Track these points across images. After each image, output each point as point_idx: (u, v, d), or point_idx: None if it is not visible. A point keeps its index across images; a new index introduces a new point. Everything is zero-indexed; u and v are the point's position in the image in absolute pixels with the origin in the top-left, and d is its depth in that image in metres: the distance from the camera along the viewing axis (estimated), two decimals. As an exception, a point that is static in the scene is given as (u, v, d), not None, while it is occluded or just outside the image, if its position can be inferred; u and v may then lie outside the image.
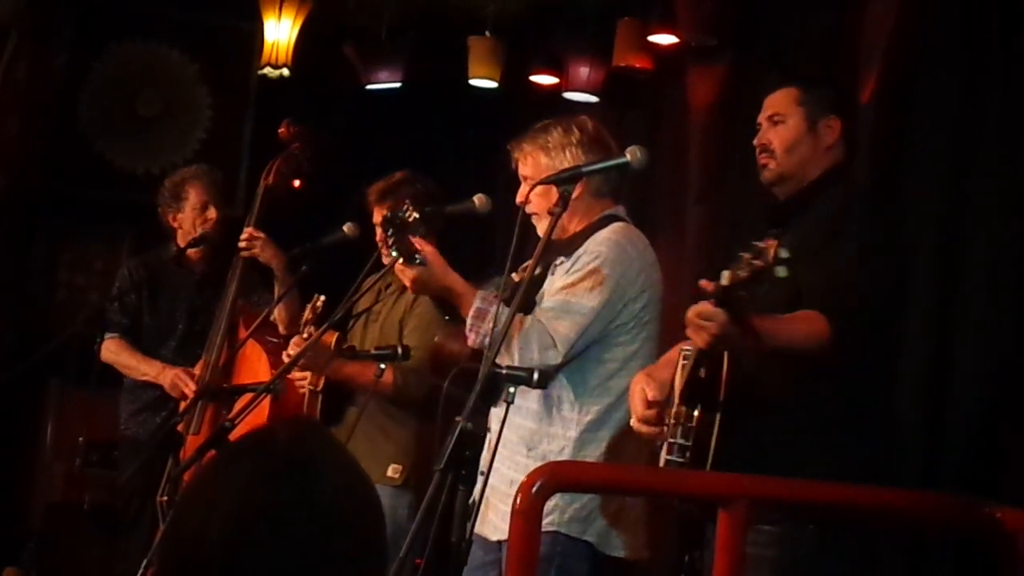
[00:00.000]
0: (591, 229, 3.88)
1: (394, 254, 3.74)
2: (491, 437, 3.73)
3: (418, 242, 3.77)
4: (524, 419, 3.81)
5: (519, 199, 3.88)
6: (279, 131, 5.47)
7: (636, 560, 3.86)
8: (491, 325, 3.60)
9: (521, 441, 3.81)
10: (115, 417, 5.62)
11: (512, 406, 3.43)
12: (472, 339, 3.72)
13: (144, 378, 5.40)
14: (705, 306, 3.06)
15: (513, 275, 3.77)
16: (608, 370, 3.81)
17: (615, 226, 3.89)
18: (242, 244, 5.22)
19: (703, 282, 3.07)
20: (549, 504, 3.59)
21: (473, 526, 3.45)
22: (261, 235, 5.22)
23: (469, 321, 3.72)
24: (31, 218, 7.15)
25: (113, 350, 5.47)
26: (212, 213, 5.45)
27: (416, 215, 3.75)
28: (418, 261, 3.74)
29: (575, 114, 4.10)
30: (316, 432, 1.68)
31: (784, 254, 2.88)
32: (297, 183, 5.46)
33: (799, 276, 3.33)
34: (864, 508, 3.16)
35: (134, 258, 5.82)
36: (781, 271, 2.89)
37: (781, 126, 3.56)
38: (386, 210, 4.68)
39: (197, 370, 5.26)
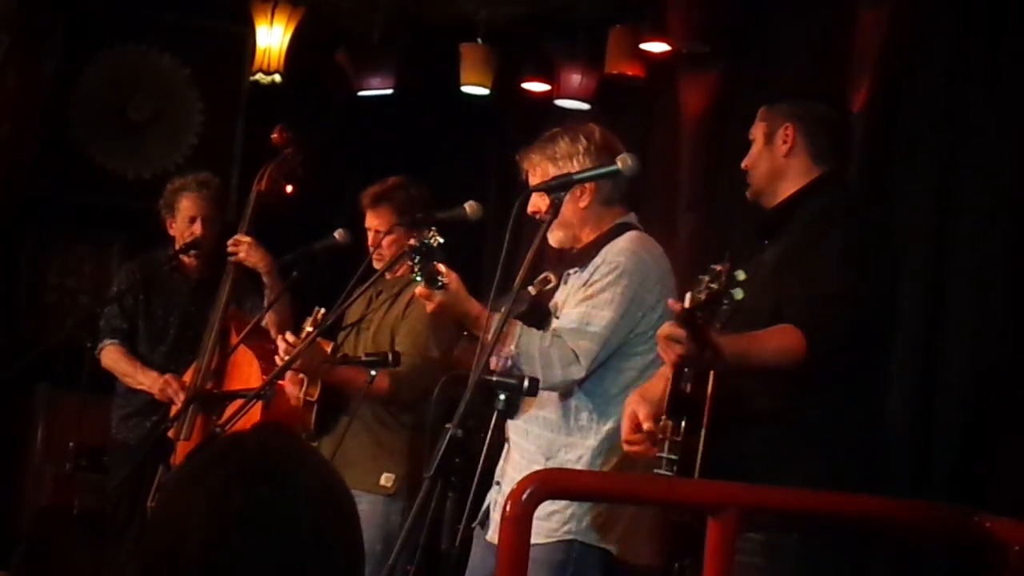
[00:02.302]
0: (605, 238, 3.86)
1: (417, 279, 3.75)
2: (508, 447, 3.78)
3: (442, 268, 3.78)
4: (542, 429, 3.81)
5: (531, 209, 3.86)
6: (271, 136, 5.47)
7: (650, 567, 3.85)
8: (512, 348, 3.62)
9: (539, 451, 3.80)
10: (105, 421, 5.61)
11: (530, 416, 3.45)
12: (495, 363, 3.69)
13: (139, 387, 5.38)
14: (671, 327, 3.08)
15: (530, 288, 3.79)
16: (626, 379, 3.78)
17: (631, 235, 3.87)
18: (229, 248, 5.22)
19: (670, 302, 3.14)
20: (566, 512, 3.68)
21: (479, 528, 3.43)
22: (247, 238, 5.21)
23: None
24: (22, 221, 7.14)
25: (113, 357, 5.44)
26: (197, 228, 5.42)
27: (441, 240, 3.76)
28: (439, 285, 3.75)
29: (582, 123, 4.08)
30: (285, 436, 1.68)
31: (740, 276, 2.91)
32: (289, 189, 5.46)
33: (780, 287, 3.34)
34: (854, 517, 3.16)
35: (131, 260, 5.79)
36: (737, 293, 2.92)
37: (752, 147, 3.58)
38: (380, 215, 4.76)
39: (187, 376, 5.25)
